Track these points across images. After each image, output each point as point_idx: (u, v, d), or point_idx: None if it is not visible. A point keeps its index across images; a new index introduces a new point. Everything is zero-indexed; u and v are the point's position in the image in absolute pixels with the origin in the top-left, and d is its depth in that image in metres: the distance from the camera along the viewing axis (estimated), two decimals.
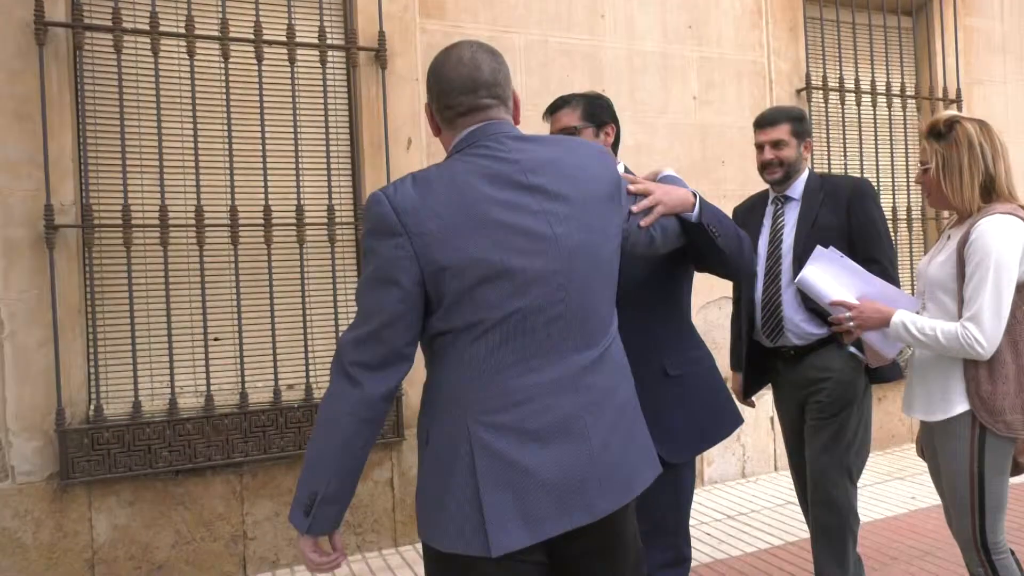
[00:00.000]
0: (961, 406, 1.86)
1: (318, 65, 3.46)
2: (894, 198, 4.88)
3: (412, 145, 3.62)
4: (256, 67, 3.33)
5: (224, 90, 3.28)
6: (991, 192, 1.88)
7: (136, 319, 3.13)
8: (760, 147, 2.62)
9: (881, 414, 4.88)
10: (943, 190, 1.91)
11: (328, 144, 3.44)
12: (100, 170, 3.15)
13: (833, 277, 2.11)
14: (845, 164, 4.70)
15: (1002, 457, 1.85)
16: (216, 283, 3.30)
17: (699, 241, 1.75)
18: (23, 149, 2.97)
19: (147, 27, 3.13)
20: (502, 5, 3.85)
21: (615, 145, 2.16)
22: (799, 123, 2.60)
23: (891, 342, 2.01)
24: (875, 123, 4.81)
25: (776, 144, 2.58)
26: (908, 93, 4.97)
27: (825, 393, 2.48)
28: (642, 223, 1.59)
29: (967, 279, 1.82)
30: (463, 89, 1.40)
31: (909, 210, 4.94)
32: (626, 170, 2.12)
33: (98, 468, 3.02)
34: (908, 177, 4.98)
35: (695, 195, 1.73)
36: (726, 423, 2.07)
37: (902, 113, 4.97)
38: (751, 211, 2.74)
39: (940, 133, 1.92)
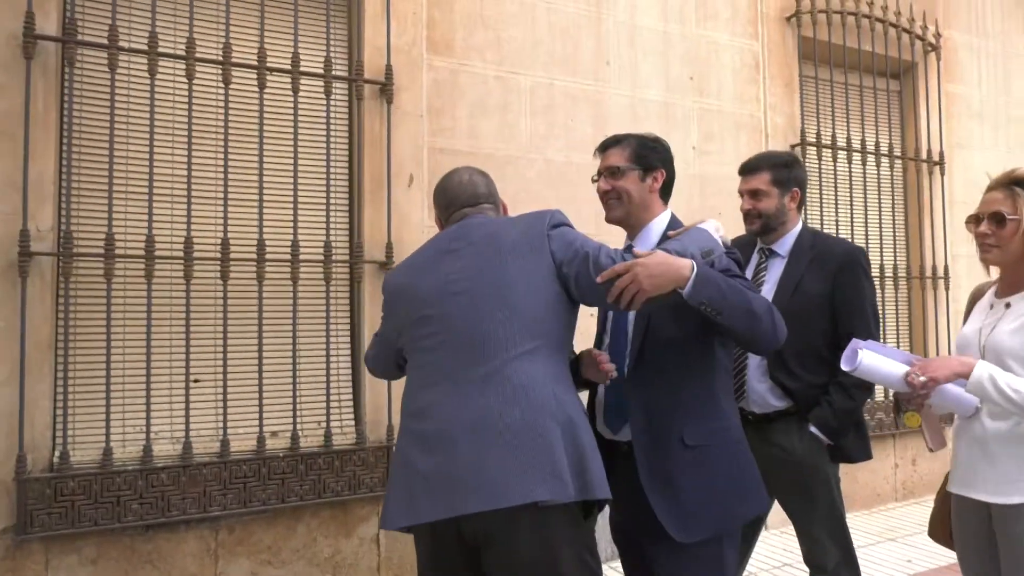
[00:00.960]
0: None
1: (321, 96, 3.31)
2: (881, 256, 4.91)
3: (414, 183, 3.48)
4: (257, 94, 3.17)
5: (223, 117, 3.10)
6: None
7: (112, 357, 2.88)
8: (741, 195, 2.53)
9: (865, 472, 4.82)
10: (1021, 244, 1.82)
11: (329, 178, 3.28)
12: (82, 195, 2.92)
13: (881, 353, 1.97)
14: (837, 220, 4.72)
15: None
16: (200, 320, 3.07)
17: (703, 315, 1.69)
18: (2, 169, 2.73)
19: (145, 46, 2.95)
20: (510, 46, 3.78)
21: (665, 190, 2.04)
22: (783, 170, 2.45)
23: (964, 403, 1.85)
24: (864, 181, 4.86)
25: (754, 194, 2.46)
26: (895, 153, 5.05)
27: (788, 481, 2.37)
28: (620, 306, 1.69)
29: None
30: (449, 204, 1.94)
31: (896, 268, 4.97)
32: (672, 219, 2.03)
33: (60, 522, 2.73)
34: (895, 235, 5.03)
35: (693, 268, 1.65)
36: (748, 505, 1.87)
37: (889, 172, 5.04)
38: (742, 251, 2.59)
39: None
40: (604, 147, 2.06)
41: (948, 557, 3.49)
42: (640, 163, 1.98)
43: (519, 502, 1.54)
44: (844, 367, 1.87)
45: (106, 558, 2.84)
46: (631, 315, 1.90)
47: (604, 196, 2.04)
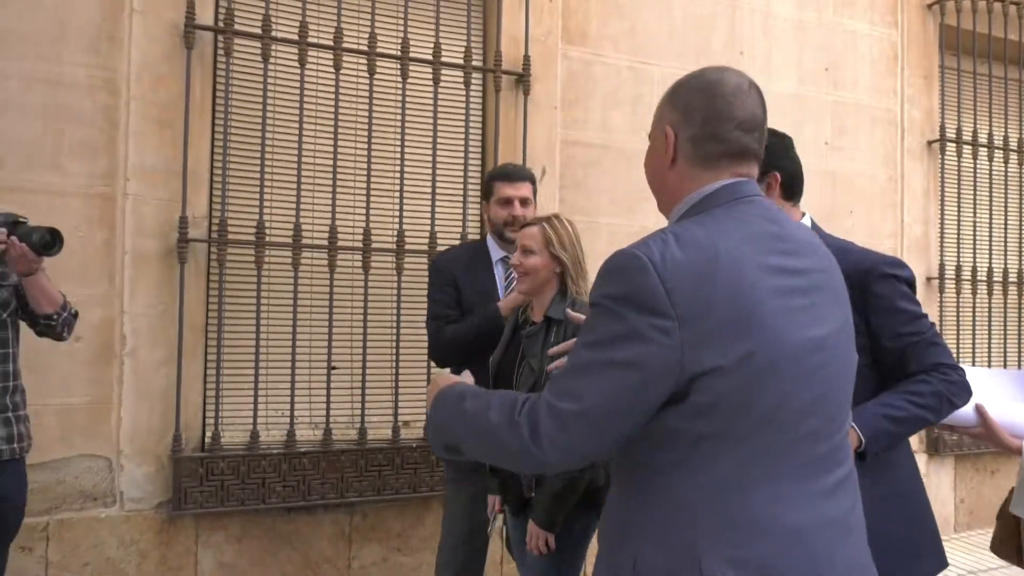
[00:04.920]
0: None
1: (459, 87, 3.29)
2: (1020, 260, 4.61)
3: (546, 175, 3.43)
4: (398, 84, 3.17)
5: (367, 107, 3.11)
6: None
7: (259, 342, 2.94)
8: None
9: (991, 488, 4.57)
10: None
11: (466, 170, 3.26)
12: (232, 183, 2.98)
13: (996, 390, 1.79)
14: (975, 222, 4.45)
15: None
16: (339, 309, 3.11)
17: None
18: (161, 156, 2.81)
19: (296, 36, 2.98)
20: (644, 35, 3.67)
21: (788, 190, 1.75)
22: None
23: None
24: (1006, 180, 4.56)
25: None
26: None
27: None
28: None
29: None
30: (745, 124, 1.14)
31: None
32: (813, 224, 1.79)
33: (210, 500, 2.82)
34: None
35: (860, 437, 1.51)
36: (922, 562, 1.67)
37: None
38: None
39: None
40: None
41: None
42: None
43: None
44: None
45: (250, 537, 2.92)
46: None
47: None
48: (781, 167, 1.71)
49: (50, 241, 2.08)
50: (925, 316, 1.67)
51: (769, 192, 1.70)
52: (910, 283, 1.68)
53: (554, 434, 1.04)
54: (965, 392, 1.63)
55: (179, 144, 2.81)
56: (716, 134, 1.14)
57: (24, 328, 2.25)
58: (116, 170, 2.77)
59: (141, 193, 2.79)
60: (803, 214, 1.78)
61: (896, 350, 1.63)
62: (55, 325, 2.21)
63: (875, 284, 1.63)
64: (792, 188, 1.74)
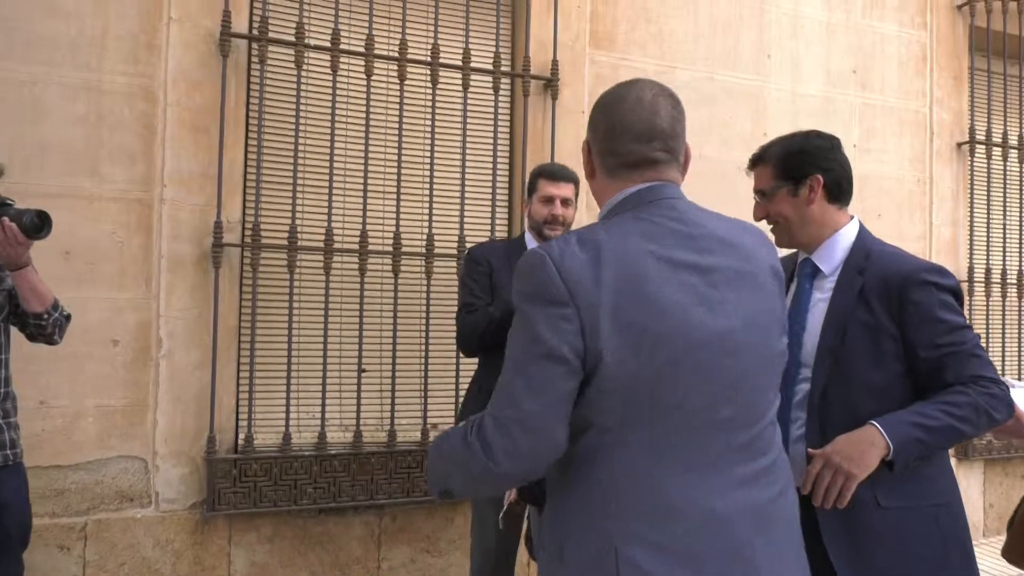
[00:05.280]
0: None
1: (487, 92, 3.31)
2: None
3: None
4: (429, 90, 3.19)
5: (397, 112, 3.14)
6: None
7: (291, 345, 2.98)
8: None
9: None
10: None
11: (495, 175, 3.28)
12: (264, 188, 3.02)
13: None
14: (1005, 224, 4.40)
15: None
16: (369, 312, 3.14)
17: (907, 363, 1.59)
18: (197, 162, 2.86)
19: (328, 43, 3.01)
20: (671, 40, 3.67)
21: (835, 194, 1.69)
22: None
23: None
24: None
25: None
26: None
27: None
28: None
29: None
30: (638, 136, 1.22)
31: None
32: (861, 231, 1.71)
33: (243, 501, 2.85)
34: None
35: (888, 444, 1.48)
36: None
37: None
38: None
39: None
40: (752, 164, 1.79)
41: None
42: (786, 177, 1.69)
43: None
44: None
45: (281, 537, 2.96)
46: (806, 341, 1.67)
47: (765, 221, 1.75)
48: (826, 169, 1.68)
49: (39, 224, 1.99)
50: (968, 328, 1.61)
51: (811, 195, 1.67)
52: (954, 292, 1.61)
53: (504, 444, 1.09)
54: (1006, 407, 1.57)
55: (214, 150, 2.85)
56: (613, 148, 1.24)
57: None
58: (153, 176, 2.81)
59: (177, 198, 2.83)
60: (851, 217, 1.74)
61: (932, 360, 1.57)
62: (45, 326, 2.13)
63: (912, 291, 1.58)
64: (838, 191, 1.70)
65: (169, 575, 2.81)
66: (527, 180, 2.62)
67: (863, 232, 1.72)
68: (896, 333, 1.60)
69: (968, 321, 1.66)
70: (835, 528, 1.57)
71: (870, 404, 1.55)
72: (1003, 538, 2.09)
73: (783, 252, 1.64)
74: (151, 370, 2.81)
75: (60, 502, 2.70)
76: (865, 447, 1.48)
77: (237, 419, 2.96)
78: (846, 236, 1.70)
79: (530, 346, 1.10)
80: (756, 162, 1.78)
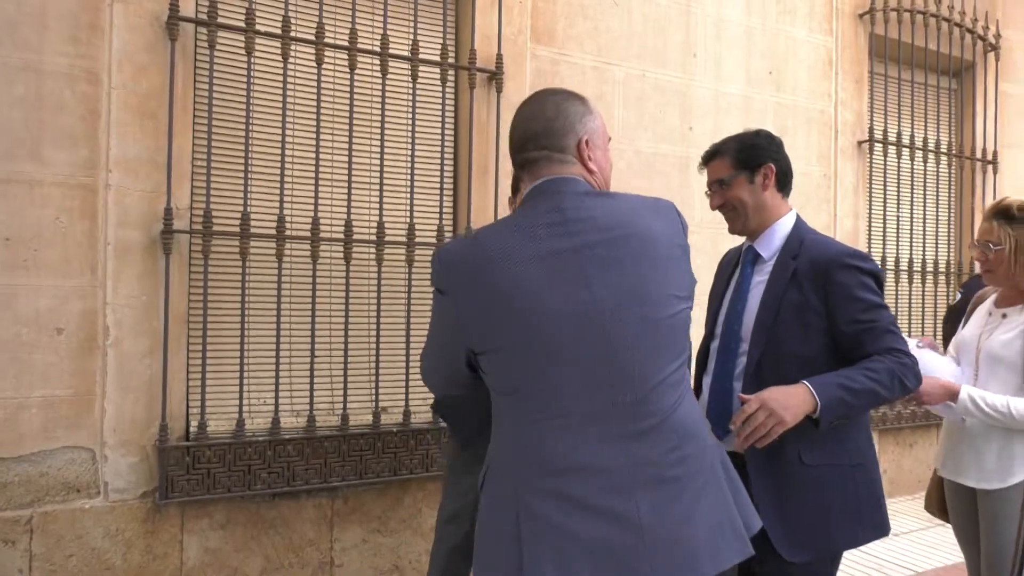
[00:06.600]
0: (1020, 475, 2.01)
1: (434, 83, 3.38)
2: (936, 251, 5.06)
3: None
4: (378, 80, 3.24)
5: (347, 102, 3.17)
6: None
7: (244, 332, 2.98)
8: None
9: (910, 459, 5.03)
10: (1010, 270, 2.07)
11: (443, 165, 3.37)
12: (216, 175, 3.00)
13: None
14: (898, 216, 4.85)
15: None
16: (320, 299, 3.17)
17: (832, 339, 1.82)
18: (144, 147, 2.81)
19: (279, 31, 3.01)
20: (606, 36, 3.85)
21: (782, 183, 1.93)
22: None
23: (953, 414, 2.11)
24: (925, 178, 4.99)
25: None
26: (952, 152, 5.18)
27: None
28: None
29: None
30: (518, 144, 1.45)
31: (948, 264, 5.13)
32: (798, 222, 1.94)
33: (197, 488, 2.86)
34: (949, 232, 5.18)
35: (816, 402, 1.67)
36: (864, 529, 1.82)
37: (947, 170, 5.18)
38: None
39: (1013, 216, 2.07)
40: (705, 161, 1.98)
41: None
42: (744, 166, 1.90)
43: (716, 570, 1.32)
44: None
45: (234, 523, 2.98)
46: (745, 319, 1.88)
47: (720, 210, 1.97)
48: (776, 159, 1.92)
49: None
50: (885, 307, 1.84)
51: (766, 182, 1.90)
52: (874, 275, 1.83)
53: (422, 372, 1.59)
54: (915, 377, 1.81)
55: (161, 135, 2.81)
56: (512, 158, 1.49)
57: (4, 323, 2.15)
58: (97, 160, 2.75)
59: (123, 184, 2.78)
60: (791, 208, 1.97)
61: (852, 334, 1.79)
62: None
63: (837, 272, 1.80)
64: (785, 180, 1.94)
65: (120, 565, 2.79)
66: (505, 178, 2.73)
67: (799, 223, 1.95)
68: (822, 310, 1.82)
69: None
70: (762, 482, 1.79)
71: (799, 374, 1.75)
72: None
73: (724, 238, 1.83)
74: (98, 359, 2.76)
75: (3, 495, 2.63)
76: (797, 400, 1.68)
77: (188, 406, 2.95)
78: (784, 225, 1.93)
79: (435, 317, 1.46)
80: (712, 157, 1.98)
